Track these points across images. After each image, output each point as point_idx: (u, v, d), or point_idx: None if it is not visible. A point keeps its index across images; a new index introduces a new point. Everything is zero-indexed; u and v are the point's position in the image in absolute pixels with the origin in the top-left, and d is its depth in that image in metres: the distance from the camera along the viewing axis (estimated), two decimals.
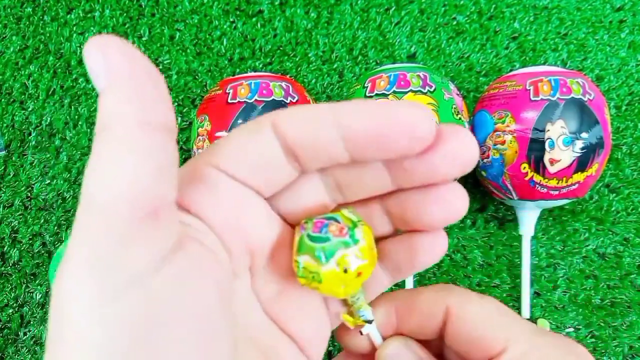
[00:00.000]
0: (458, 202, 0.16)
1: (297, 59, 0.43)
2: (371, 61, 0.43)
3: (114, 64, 0.12)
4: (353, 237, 0.16)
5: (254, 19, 0.44)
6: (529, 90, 0.33)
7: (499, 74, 0.42)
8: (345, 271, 0.16)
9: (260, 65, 0.43)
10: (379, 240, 0.18)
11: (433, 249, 0.17)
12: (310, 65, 0.43)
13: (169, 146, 0.13)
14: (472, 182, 0.40)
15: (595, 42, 0.43)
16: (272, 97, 0.32)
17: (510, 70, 0.38)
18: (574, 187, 0.33)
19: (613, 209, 0.39)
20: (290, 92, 0.33)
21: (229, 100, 0.32)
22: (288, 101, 0.33)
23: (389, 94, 0.32)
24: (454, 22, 0.44)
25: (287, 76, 0.43)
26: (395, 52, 0.43)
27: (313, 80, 0.43)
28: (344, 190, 0.18)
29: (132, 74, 0.12)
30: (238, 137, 0.16)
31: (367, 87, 0.34)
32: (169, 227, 0.13)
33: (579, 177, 0.32)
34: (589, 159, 0.32)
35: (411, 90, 0.32)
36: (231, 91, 0.33)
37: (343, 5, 0.44)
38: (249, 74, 0.35)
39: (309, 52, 0.43)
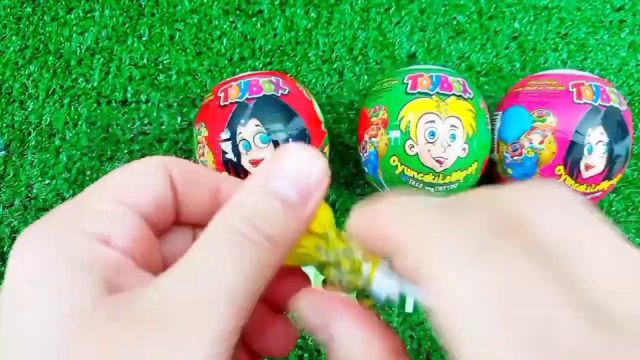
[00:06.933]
0: None
1: (297, 59, 0.43)
2: (371, 61, 0.43)
3: None
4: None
5: (254, 19, 0.44)
6: (572, 92, 0.32)
7: (499, 74, 0.42)
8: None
9: (260, 65, 0.43)
10: None
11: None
12: (310, 65, 0.43)
13: None
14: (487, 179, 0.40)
15: (595, 42, 0.43)
16: (263, 93, 0.32)
17: (542, 69, 0.37)
18: (596, 194, 0.33)
19: (613, 209, 0.39)
20: (281, 85, 0.33)
21: (221, 103, 0.33)
22: (279, 94, 0.33)
23: (432, 94, 0.32)
24: (454, 22, 0.44)
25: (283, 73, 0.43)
26: (395, 52, 0.43)
27: (313, 80, 0.43)
28: None
29: None
30: (130, 174, 0.16)
31: (407, 83, 0.33)
32: None
33: (604, 185, 0.32)
34: (616, 168, 0.32)
35: (454, 94, 0.32)
36: (222, 94, 0.33)
37: (343, 5, 0.44)
38: (238, 75, 0.35)
39: (309, 52, 0.43)
